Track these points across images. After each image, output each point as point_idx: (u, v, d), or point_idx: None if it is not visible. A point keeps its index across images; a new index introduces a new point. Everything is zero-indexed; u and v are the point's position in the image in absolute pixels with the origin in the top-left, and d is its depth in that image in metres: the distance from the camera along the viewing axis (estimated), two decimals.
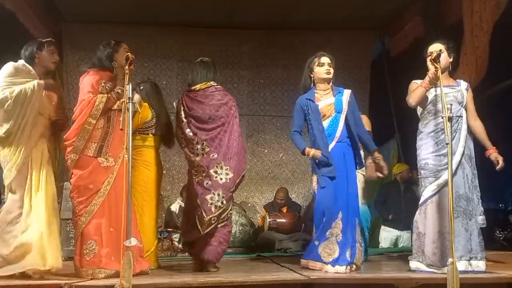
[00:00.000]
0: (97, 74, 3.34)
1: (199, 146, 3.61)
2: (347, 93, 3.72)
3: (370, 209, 6.87)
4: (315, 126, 3.62)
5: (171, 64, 7.02)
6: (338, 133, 3.60)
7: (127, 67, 3.02)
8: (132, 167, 3.44)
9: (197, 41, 6.89)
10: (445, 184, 3.24)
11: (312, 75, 3.76)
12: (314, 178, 3.69)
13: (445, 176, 3.23)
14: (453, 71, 3.62)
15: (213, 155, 3.60)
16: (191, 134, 3.65)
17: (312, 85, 3.78)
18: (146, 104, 3.97)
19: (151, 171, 3.94)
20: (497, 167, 3.41)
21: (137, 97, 3.87)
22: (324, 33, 6.95)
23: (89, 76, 3.35)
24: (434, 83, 3.40)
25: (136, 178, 3.71)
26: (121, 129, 2.89)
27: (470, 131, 3.48)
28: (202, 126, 3.66)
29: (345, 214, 3.48)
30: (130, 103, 2.86)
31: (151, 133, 3.99)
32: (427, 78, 3.38)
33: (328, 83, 3.75)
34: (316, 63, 3.72)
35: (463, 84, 3.56)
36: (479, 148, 3.51)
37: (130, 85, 2.88)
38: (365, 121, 4.46)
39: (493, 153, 3.44)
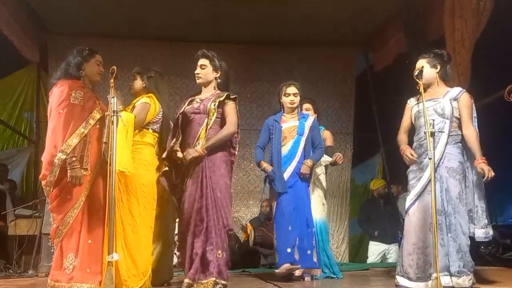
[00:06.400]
0: (65, 85, 3.15)
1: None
2: (311, 119, 4.19)
3: (353, 225, 6.89)
4: (274, 146, 4.08)
5: None
6: (298, 154, 4.05)
7: (112, 80, 2.93)
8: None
9: (182, 55, 6.87)
10: (416, 198, 3.31)
11: (281, 101, 4.21)
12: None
13: (415, 190, 3.32)
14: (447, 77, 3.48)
15: None
16: None
17: (281, 109, 4.24)
18: (151, 95, 3.49)
19: (151, 173, 3.39)
20: (484, 179, 3.19)
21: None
22: (308, 48, 7.04)
23: (57, 89, 3.17)
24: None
25: (132, 180, 3.25)
26: (105, 143, 2.84)
27: (463, 142, 3.33)
28: None
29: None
30: (115, 117, 2.83)
31: (152, 129, 3.46)
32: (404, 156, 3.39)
33: (293, 111, 4.18)
34: (283, 93, 4.18)
35: (451, 94, 3.38)
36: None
37: (115, 99, 2.85)
38: (327, 136, 4.56)
39: (478, 164, 3.19)
